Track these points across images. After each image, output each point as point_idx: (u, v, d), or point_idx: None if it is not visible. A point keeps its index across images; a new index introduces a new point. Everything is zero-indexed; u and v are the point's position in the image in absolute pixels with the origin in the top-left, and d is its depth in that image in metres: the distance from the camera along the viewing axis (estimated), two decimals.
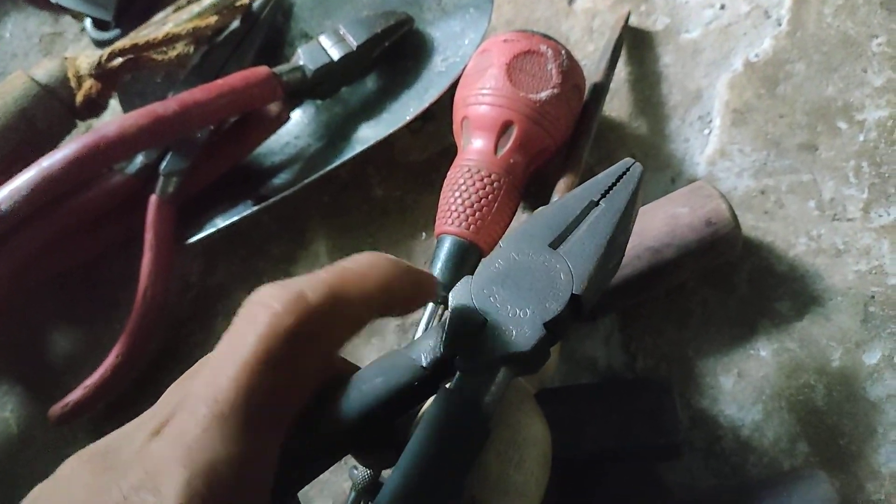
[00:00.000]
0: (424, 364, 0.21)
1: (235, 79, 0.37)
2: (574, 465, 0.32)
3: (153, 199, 0.38)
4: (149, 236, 0.38)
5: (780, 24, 0.39)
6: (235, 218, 0.39)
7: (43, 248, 0.38)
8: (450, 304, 0.22)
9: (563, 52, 0.33)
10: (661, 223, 0.33)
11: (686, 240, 0.32)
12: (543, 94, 0.32)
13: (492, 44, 0.34)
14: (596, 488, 0.32)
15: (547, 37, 0.33)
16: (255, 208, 0.38)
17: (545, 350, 0.22)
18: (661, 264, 0.32)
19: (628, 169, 0.24)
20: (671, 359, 0.35)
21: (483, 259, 0.23)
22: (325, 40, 0.38)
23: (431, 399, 0.21)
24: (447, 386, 0.21)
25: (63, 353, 0.43)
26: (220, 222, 0.39)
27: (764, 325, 0.35)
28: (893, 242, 0.36)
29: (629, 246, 0.32)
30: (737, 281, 0.36)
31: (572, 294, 0.22)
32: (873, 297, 0.35)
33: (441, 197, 0.32)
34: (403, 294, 0.21)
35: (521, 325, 0.21)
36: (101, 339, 0.42)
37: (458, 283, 0.22)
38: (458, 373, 0.21)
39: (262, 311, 0.18)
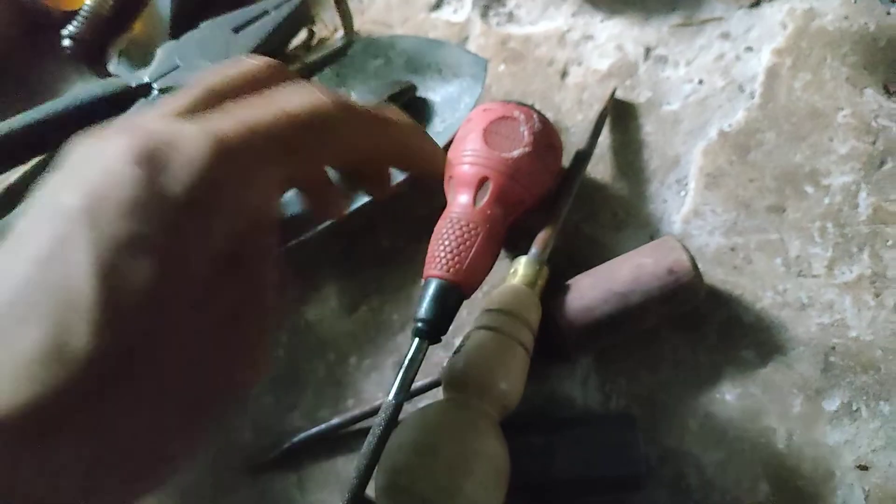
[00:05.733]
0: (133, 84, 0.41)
1: None
2: (544, 493, 0.34)
3: None
4: None
5: (752, 98, 0.43)
6: None
7: None
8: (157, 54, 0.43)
9: (535, 115, 0.38)
10: (627, 271, 0.36)
11: (650, 287, 0.35)
12: (516, 153, 0.37)
13: (475, 113, 0.38)
14: None
15: (522, 104, 0.38)
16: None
17: None
18: (627, 308, 0.36)
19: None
20: (643, 400, 0.38)
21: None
22: None
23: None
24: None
25: None
26: None
27: (730, 371, 0.38)
28: (855, 298, 0.38)
29: (598, 291, 0.36)
30: (706, 330, 0.39)
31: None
32: (834, 347, 0.37)
33: (429, 245, 0.36)
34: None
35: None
36: None
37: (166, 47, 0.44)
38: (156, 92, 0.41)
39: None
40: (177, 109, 0.21)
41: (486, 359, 0.32)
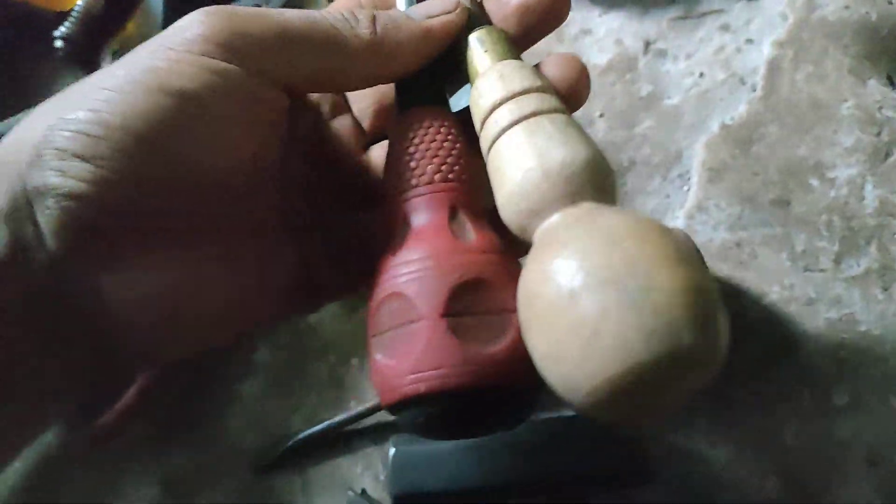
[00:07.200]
0: None
1: None
2: (544, 491, 0.34)
3: None
4: None
5: (754, 90, 0.43)
6: None
7: None
8: None
9: None
10: None
11: None
12: None
13: None
14: None
15: None
16: None
17: None
18: None
19: None
20: None
21: None
22: None
23: None
24: None
25: None
26: None
27: (737, 366, 0.37)
28: (864, 292, 0.38)
29: None
30: None
31: None
32: (843, 342, 0.37)
33: None
34: None
35: None
36: None
37: None
38: None
39: None
40: None
41: (574, 145, 0.22)
